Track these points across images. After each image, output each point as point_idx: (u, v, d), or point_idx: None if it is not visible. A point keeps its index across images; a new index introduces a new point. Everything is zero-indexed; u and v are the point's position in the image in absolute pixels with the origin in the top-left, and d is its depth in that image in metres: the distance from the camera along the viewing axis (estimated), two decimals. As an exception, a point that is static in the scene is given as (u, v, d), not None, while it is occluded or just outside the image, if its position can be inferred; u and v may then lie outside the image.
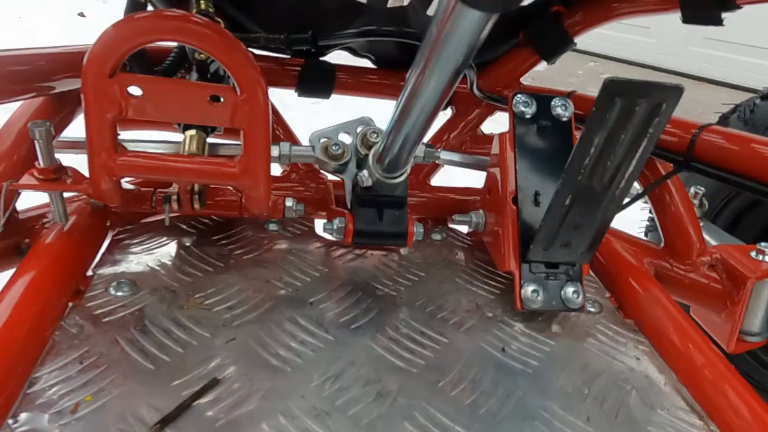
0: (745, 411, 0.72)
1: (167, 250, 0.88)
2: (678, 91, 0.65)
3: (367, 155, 0.88)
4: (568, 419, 0.69)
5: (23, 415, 0.58)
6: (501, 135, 0.92)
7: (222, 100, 0.67)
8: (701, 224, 1.11)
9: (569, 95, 1.09)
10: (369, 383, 0.69)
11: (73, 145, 0.88)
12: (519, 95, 0.90)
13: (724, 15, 0.93)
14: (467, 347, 0.78)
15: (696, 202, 1.11)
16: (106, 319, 0.72)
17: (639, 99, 0.66)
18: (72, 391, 0.61)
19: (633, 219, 1.50)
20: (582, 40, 1.12)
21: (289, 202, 0.90)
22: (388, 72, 1.19)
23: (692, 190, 1.13)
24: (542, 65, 1.19)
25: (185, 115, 0.69)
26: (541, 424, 0.67)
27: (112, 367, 0.65)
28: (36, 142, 0.71)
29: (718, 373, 0.77)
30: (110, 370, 0.65)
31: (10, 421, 0.57)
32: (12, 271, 0.75)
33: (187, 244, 0.90)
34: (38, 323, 0.68)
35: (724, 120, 1.26)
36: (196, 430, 0.59)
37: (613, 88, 0.64)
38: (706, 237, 1.07)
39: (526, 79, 1.23)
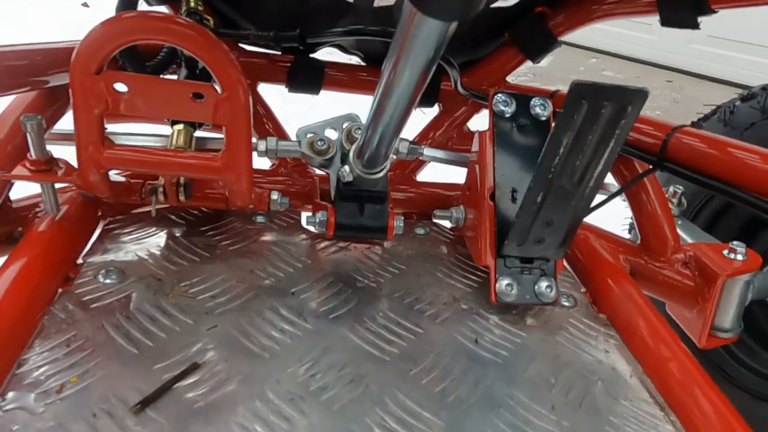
0: (706, 404, 0.75)
1: (156, 240, 0.91)
2: (643, 94, 0.68)
3: (350, 150, 0.91)
4: (533, 407, 0.72)
5: (11, 394, 0.61)
6: (481, 133, 0.94)
7: (204, 97, 0.70)
8: (679, 222, 1.13)
9: (552, 95, 1.11)
10: (343, 370, 0.72)
11: (65, 137, 0.91)
12: (499, 94, 0.93)
13: (701, 19, 0.96)
14: (441, 338, 0.81)
15: (675, 200, 1.13)
16: (94, 305, 0.75)
17: (605, 101, 0.68)
18: (58, 373, 0.64)
19: (620, 215, 1.53)
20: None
21: (274, 196, 0.93)
22: (377, 69, 1.21)
23: (671, 189, 1.15)
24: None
25: (170, 111, 0.72)
26: (507, 412, 0.70)
27: (97, 350, 0.68)
28: (28, 134, 0.74)
29: (683, 368, 0.80)
30: (95, 354, 0.68)
31: (-2, 399, 0.60)
32: (4, 258, 0.78)
33: (176, 234, 0.94)
34: (28, 308, 0.71)
35: (705, 120, 1.28)
36: (175, 411, 0.63)
37: (580, 90, 0.67)
38: (684, 235, 1.10)
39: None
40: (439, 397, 0.71)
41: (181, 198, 0.84)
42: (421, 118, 1.28)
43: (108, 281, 0.80)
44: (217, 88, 0.70)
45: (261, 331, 0.76)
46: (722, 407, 0.74)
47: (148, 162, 0.73)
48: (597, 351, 0.84)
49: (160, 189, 0.83)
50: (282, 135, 1.16)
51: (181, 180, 0.84)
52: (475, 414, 0.70)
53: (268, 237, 0.98)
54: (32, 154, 0.76)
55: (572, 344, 0.85)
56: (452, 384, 0.73)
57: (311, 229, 0.96)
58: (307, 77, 1.17)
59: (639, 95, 0.68)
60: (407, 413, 0.68)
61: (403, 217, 0.96)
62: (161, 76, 0.96)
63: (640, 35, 5.26)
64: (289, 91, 1.18)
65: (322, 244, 0.99)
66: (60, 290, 0.77)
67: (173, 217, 0.98)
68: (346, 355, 0.75)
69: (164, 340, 0.72)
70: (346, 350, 0.76)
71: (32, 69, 0.85)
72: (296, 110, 2.02)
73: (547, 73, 4.51)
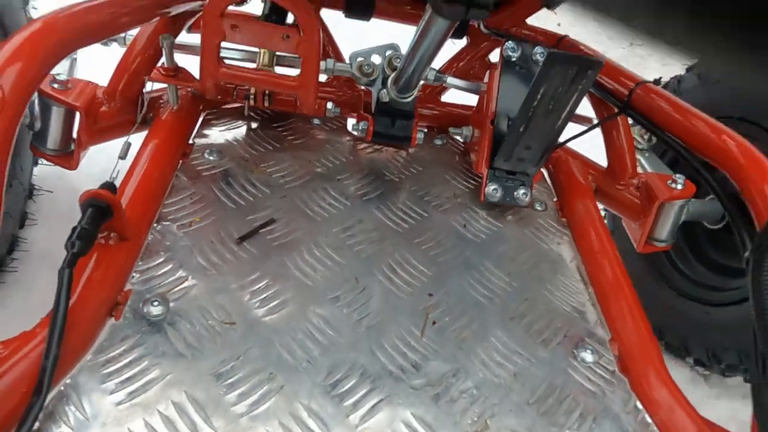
0: (619, 290, 1.07)
1: (241, 130, 1.25)
2: (599, 64, 0.95)
3: (389, 76, 1.20)
4: (495, 272, 1.06)
5: (162, 223, 0.97)
6: (492, 70, 1.22)
7: (290, 37, 1.00)
8: (646, 155, 1.41)
9: (559, 41, 1.36)
10: (370, 234, 1.07)
11: (180, 48, 1.22)
12: (509, 42, 1.19)
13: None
14: (440, 221, 1.15)
15: (645, 137, 1.40)
16: (204, 174, 1.10)
17: (571, 66, 0.96)
18: (187, 215, 1.00)
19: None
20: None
21: (329, 105, 1.24)
22: (420, 3, 1.46)
23: (646, 126, 1.41)
24: None
25: (267, 44, 1.02)
26: (476, 273, 1.05)
27: (209, 204, 1.04)
28: (164, 49, 1.05)
29: (608, 261, 1.12)
30: (209, 206, 1.03)
31: (155, 226, 0.96)
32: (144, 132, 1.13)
33: (255, 127, 1.26)
34: (165, 171, 1.06)
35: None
36: (262, 245, 0.98)
37: (553, 58, 0.95)
38: (647, 165, 1.38)
39: None
40: (432, 258, 1.06)
41: (266, 103, 1.16)
42: (451, 47, 1.53)
43: (211, 158, 1.14)
44: (300, 32, 0.99)
45: (315, 203, 1.10)
46: (627, 290, 1.06)
47: (251, 78, 1.05)
48: (552, 242, 1.17)
49: (252, 95, 1.15)
50: (339, 57, 1.44)
51: (266, 90, 1.15)
52: (454, 272, 1.04)
53: (321, 136, 1.30)
54: (165, 63, 1.07)
55: (535, 236, 1.18)
56: (442, 252, 1.08)
57: (355, 133, 1.28)
58: (362, 5, 1.42)
59: (597, 64, 0.95)
60: (409, 265, 1.03)
61: (425, 131, 1.27)
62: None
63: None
64: (346, 16, 1.44)
65: (362, 146, 1.31)
66: (181, 161, 1.12)
67: (252, 114, 1.30)
68: (372, 225, 1.09)
69: (252, 201, 1.07)
70: (372, 222, 1.10)
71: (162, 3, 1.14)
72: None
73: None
